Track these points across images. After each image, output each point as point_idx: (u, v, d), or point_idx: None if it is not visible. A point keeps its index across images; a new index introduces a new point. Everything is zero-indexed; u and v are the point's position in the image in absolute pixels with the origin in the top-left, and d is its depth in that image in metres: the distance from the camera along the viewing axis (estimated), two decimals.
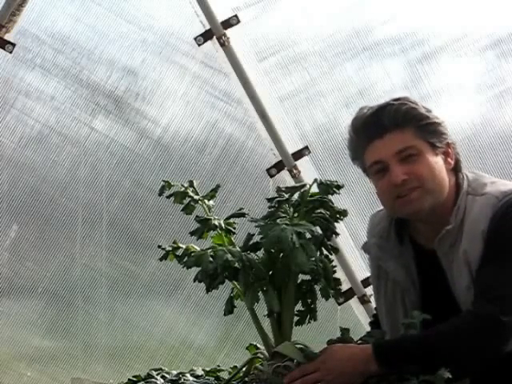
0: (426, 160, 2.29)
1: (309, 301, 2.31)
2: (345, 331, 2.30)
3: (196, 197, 2.36)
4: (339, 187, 2.31)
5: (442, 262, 2.32)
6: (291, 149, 3.82)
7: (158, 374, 2.45)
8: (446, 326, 2.18)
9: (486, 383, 2.20)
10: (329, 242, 2.30)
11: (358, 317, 3.93)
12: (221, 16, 3.69)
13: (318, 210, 2.29)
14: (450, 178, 2.33)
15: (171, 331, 4.05)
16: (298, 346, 2.24)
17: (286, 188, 2.33)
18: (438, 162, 2.31)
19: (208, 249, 2.24)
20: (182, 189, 2.36)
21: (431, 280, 2.37)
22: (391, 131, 2.28)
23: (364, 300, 3.92)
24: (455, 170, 2.36)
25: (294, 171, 3.80)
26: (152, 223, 3.91)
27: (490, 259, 2.22)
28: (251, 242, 2.30)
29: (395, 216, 2.40)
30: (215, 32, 3.68)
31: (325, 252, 2.30)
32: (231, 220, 2.37)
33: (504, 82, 3.73)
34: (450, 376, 2.06)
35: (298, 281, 2.27)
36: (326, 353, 2.20)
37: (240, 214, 2.37)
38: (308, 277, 2.27)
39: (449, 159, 2.33)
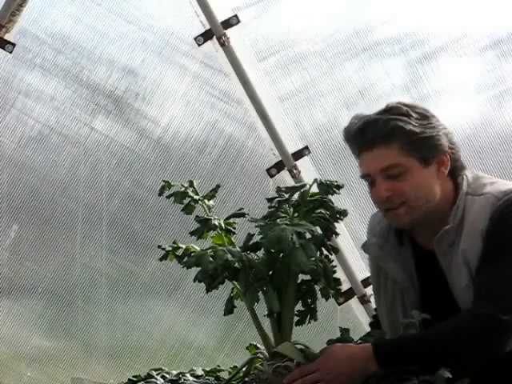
0: (412, 177, 2.27)
1: (309, 301, 2.30)
2: (344, 331, 2.29)
3: (196, 197, 2.36)
4: (339, 187, 2.31)
5: (440, 261, 2.32)
6: (291, 149, 3.82)
7: (158, 374, 2.45)
8: (446, 325, 2.18)
9: (487, 383, 2.20)
10: (329, 242, 2.30)
11: (358, 317, 3.94)
12: (221, 16, 3.69)
13: (318, 210, 2.29)
14: (446, 184, 2.32)
15: (171, 331, 4.05)
16: (298, 346, 2.24)
17: (286, 188, 2.33)
18: (427, 175, 2.29)
19: (208, 249, 2.23)
20: (182, 189, 2.36)
21: (430, 280, 2.37)
22: (378, 146, 2.27)
23: (364, 300, 3.92)
24: (453, 174, 2.34)
25: (294, 171, 3.81)
26: (152, 223, 3.92)
27: (489, 258, 2.22)
28: (251, 242, 2.30)
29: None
30: (215, 32, 3.68)
31: (325, 252, 2.30)
32: (231, 220, 2.37)
33: (504, 81, 3.73)
34: (450, 376, 2.06)
35: (298, 281, 2.27)
36: (326, 353, 2.20)
37: (240, 214, 2.37)
38: (308, 277, 2.27)
39: (442, 168, 2.30)
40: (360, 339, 2.33)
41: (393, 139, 2.26)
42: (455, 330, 2.17)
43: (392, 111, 2.29)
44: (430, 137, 2.28)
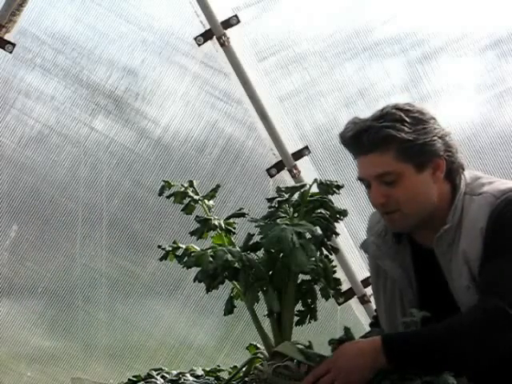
0: (407, 183, 2.27)
1: (309, 301, 2.30)
2: (347, 330, 2.28)
3: (196, 197, 2.36)
4: (339, 187, 2.31)
5: (440, 261, 2.32)
6: (291, 149, 3.82)
7: (158, 374, 2.45)
8: (456, 320, 2.18)
9: (487, 383, 2.21)
10: (329, 242, 2.30)
11: (358, 317, 3.94)
12: (221, 16, 3.69)
13: (318, 210, 2.29)
14: (443, 186, 2.32)
15: (171, 331, 4.05)
16: (299, 346, 2.24)
17: (286, 188, 2.33)
18: (422, 180, 2.29)
19: (208, 249, 2.23)
20: (182, 189, 2.37)
21: (429, 279, 2.37)
22: (372, 152, 2.27)
23: (364, 300, 3.92)
24: (450, 175, 2.34)
25: (294, 171, 3.81)
26: (152, 223, 3.92)
27: (491, 256, 2.22)
28: (251, 242, 2.30)
29: None
30: (215, 32, 3.68)
31: (325, 252, 2.30)
32: (231, 220, 2.37)
33: (504, 81, 3.73)
34: (455, 382, 2.06)
35: (298, 281, 2.27)
36: (335, 352, 2.20)
37: (240, 214, 2.37)
38: (308, 277, 2.27)
39: (438, 172, 2.30)
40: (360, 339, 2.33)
41: (386, 147, 2.26)
42: (464, 324, 2.17)
43: (386, 117, 2.28)
44: (424, 143, 2.27)
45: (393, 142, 2.26)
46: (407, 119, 2.27)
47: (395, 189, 2.28)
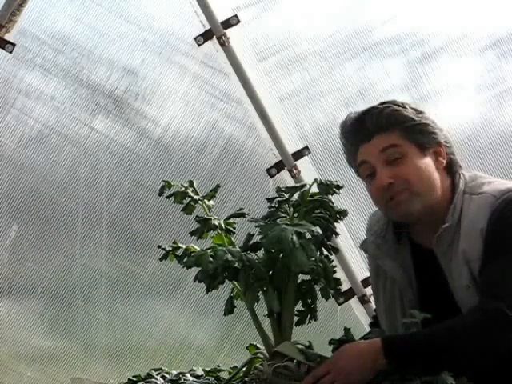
0: (413, 162, 2.28)
1: (309, 301, 2.31)
2: (347, 331, 2.28)
3: (196, 197, 2.37)
4: (339, 187, 2.31)
5: (440, 261, 2.32)
6: (291, 149, 3.82)
7: (158, 374, 2.46)
8: (456, 322, 2.18)
9: (488, 382, 2.20)
10: (329, 242, 2.30)
11: (358, 317, 3.94)
12: (221, 16, 3.69)
13: (318, 210, 2.29)
14: (444, 179, 2.33)
15: (171, 331, 4.05)
16: (299, 346, 2.24)
17: (286, 188, 2.33)
18: (426, 162, 2.30)
19: (208, 249, 2.24)
20: (182, 189, 2.37)
21: (429, 279, 2.37)
22: (377, 134, 2.29)
23: (364, 300, 3.92)
24: (450, 170, 2.35)
25: (294, 171, 3.81)
26: (152, 223, 3.92)
27: (492, 257, 2.22)
28: (251, 242, 2.30)
29: (391, 219, 2.40)
30: (215, 32, 3.68)
31: (325, 252, 2.30)
32: (231, 220, 2.37)
33: (504, 81, 3.73)
34: (453, 383, 2.06)
35: (298, 281, 2.27)
36: (335, 353, 2.20)
37: (240, 214, 2.37)
38: (308, 277, 2.27)
39: (440, 158, 2.32)
40: (360, 339, 2.33)
41: (391, 126, 2.29)
42: (465, 325, 2.17)
43: (388, 103, 2.33)
44: (426, 124, 2.32)
45: (396, 121, 2.28)
46: (407, 106, 2.33)
47: (401, 167, 2.27)
